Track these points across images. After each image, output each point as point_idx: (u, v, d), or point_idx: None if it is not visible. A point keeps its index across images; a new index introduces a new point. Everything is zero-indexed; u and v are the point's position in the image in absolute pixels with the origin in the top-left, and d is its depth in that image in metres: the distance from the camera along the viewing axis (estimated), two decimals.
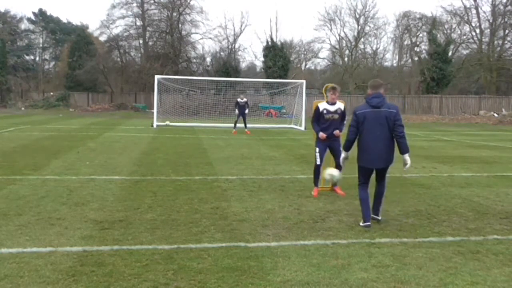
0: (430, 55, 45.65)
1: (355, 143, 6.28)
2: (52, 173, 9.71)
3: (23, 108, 45.26)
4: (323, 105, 7.94)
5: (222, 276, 4.35)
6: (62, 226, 5.84)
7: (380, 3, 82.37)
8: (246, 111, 21.65)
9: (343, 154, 6.52)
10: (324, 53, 79.55)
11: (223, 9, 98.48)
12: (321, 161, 8.01)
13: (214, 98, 35.64)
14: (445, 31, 50.87)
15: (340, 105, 7.98)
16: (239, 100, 21.60)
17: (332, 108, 7.90)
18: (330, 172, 7.34)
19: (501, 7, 48.17)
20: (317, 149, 8.04)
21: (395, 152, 6.13)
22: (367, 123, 6.01)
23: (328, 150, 8.10)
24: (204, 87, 37.15)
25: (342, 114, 7.99)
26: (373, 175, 6.31)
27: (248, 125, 22.15)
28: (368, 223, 6.08)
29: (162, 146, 15.57)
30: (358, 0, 69.38)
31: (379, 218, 6.31)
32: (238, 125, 21.81)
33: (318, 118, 7.97)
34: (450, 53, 47.11)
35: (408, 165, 6.07)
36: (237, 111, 21.68)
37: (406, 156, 6.06)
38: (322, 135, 7.93)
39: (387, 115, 5.98)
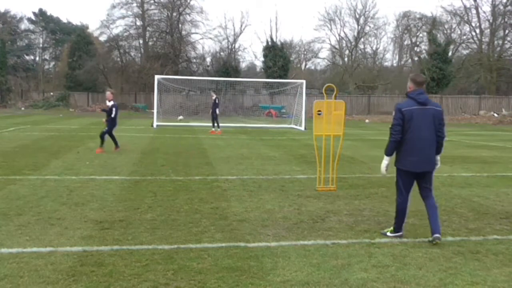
0: (430, 55, 45.66)
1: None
2: (52, 173, 9.71)
3: (23, 108, 45.26)
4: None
5: (222, 276, 4.35)
6: (62, 226, 5.84)
7: (380, 3, 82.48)
8: (217, 110, 21.12)
9: (385, 161, 5.65)
10: (324, 53, 79.74)
11: (223, 9, 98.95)
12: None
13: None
14: (445, 31, 50.97)
15: None
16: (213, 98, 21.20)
17: None
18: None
19: (501, 7, 48.23)
20: None
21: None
22: (414, 122, 5.39)
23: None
24: (204, 87, 37.16)
25: None
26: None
27: (248, 125, 22.08)
28: (401, 232, 5.66)
29: (162, 146, 15.57)
30: (358, 0, 69.66)
31: (439, 235, 5.41)
32: (222, 124, 21.57)
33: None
34: (450, 53, 47.14)
35: (438, 166, 5.67)
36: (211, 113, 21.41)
37: (439, 157, 5.67)
38: None
39: (434, 114, 5.46)
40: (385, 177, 6.00)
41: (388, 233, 5.72)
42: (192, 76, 41.01)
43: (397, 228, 5.68)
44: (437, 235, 5.39)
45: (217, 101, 21.29)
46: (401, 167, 5.54)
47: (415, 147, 5.43)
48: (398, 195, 5.65)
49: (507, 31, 49.14)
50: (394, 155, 5.64)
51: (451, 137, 22.15)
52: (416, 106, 5.43)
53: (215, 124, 21.40)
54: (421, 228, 6.07)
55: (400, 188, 5.62)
